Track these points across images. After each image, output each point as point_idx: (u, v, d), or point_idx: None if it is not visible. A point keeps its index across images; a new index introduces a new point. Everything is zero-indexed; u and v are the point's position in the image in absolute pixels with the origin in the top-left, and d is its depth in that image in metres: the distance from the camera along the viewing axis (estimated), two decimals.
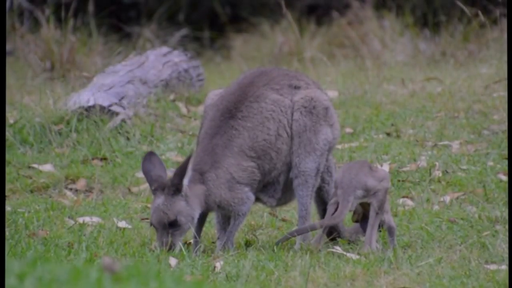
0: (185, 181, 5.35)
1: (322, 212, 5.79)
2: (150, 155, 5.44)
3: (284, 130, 5.51)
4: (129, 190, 7.22)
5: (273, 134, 5.49)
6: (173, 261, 5.17)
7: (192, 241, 5.66)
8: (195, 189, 5.40)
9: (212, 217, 6.23)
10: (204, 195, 5.41)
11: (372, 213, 5.39)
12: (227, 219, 5.60)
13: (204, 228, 6.01)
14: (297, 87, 5.59)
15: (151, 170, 5.39)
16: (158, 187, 5.36)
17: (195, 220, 5.38)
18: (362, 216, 5.55)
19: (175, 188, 5.33)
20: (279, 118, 5.51)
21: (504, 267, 5.05)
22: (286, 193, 5.63)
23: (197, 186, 5.40)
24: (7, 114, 8.50)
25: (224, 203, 5.43)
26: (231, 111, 5.48)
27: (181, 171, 5.33)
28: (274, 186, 5.57)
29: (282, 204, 5.72)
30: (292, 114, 5.53)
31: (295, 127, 5.52)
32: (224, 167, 5.42)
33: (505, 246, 5.36)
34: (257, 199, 5.63)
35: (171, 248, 5.29)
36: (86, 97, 8.40)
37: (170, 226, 5.31)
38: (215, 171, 5.42)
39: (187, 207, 5.35)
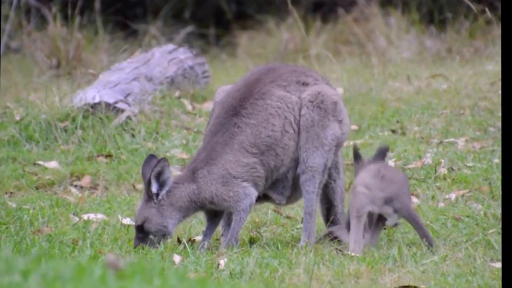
0: (154, 189, 5.35)
1: (326, 211, 5.74)
2: (150, 158, 5.46)
3: (290, 126, 5.49)
4: (134, 187, 7.22)
5: (278, 130, 5.47)
6: (177, 258, 5.17)
7: (196, 238, 5.66)
8: (179, 191, 5.38)
9: None
10: (192, 195, 5.39)
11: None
12: (231, 215, 5.58)
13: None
14: (305, 84, 5.57)
15: (148, 173, 5.41)
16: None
17: (170, 228, 5.37)
18: None
19: (147, 196, 5.37)
20: (285, 114, 5.49)
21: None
22: (296, 191, 5.60)
23: (183, 187, 5.39)
24: (13, 111, 8.52)
25: (216, 199, 5.41)
26: (236, 108, 5.47)
27: (148, 180, 5.35)
28: (283, 183, 5.55)
29: (292, 202, 5.69)
30: (300, 111, 5.51)
31: (303, 122, 5.49)
32: (220, 164, 5.41)
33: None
34: (266, 197, 5.61)
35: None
36: (91, 94, 8.41)
37: (137, 231, 5.37)
38: (207, 168, 5.41)
39: (157, 215, 5.36)
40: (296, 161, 5.53)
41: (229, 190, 5.41)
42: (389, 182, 5.33)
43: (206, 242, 5.49)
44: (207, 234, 5.53)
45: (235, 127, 5.44)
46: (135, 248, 5.35)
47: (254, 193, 5.45)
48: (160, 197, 5.36)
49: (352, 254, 5.23)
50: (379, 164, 5.45)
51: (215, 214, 5.54)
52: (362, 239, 5.30)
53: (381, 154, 5.52)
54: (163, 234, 5.37)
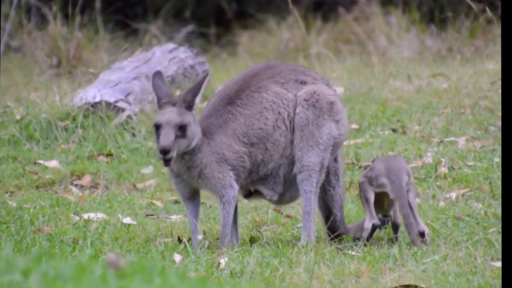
0: (198, 100, 5.39)
1: (325, 219, 5.73)
2: (159, 74, 5.45)
3: (283, 122, 5.51)
4: (134, 186, 7.23)
5: (270, 125, 5.49)
6: (177, 257, 5.17)
7: (197, 237, 5.65)
8: (198, 127, 5.40)
9: (217, 214, 6.24)
10: (198, 141, 5.37)
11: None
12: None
13: (208, 225, 6.02)
14: (303, 82, 5.58)
15: (162, 86, 5.39)
16: (168, 102, 5.34)
17: (196, 141, 5.33)
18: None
19: (187, 104, 5.34)
20: (279, 110, 5.51)
21: None
22: (291, 190, 5.60)
23: (199, 128, 5.41)
24: (14, 110, 8.52)
25: (207, 170, 5.37)
26: (231, 98, 5.50)
27: (195, 89, 5.36)
28: (274, 179, 5.54)
29: (287, 201, 5.68)
30: (295, 109, 5.53)
31: (297, 120, 5.51)
32: (216, 142, 5.42)
33: None
34: (258, 193, 5.60)
35: (170, 150, 5.22)
36: (92, 93, 8.41)
37: (179, 129, 5.28)
38: (208, 141, 5.41)
39: (194, 125, 5.34)
40: (288, 158, 5.53)
41: (219, 171, 5.40)
42: (379, 161, 5.53)
43: (206, 241, 5.49)
44: (194, 231, 5.49)
45: (229, 114, 5.47)
46: (166, 146, 5.19)
47: (236, 187, 5.46)
48: (193, 109, 5.37)
49: (365, 226, 5.37)
50: None
51: (195, 205, 5.50)
52: (375, 215, 5.45)
53: None
54: (187, 146, 5.33)
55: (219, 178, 5.40)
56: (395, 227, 5.60)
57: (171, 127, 5.27)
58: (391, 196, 5.47)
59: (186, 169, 5.40)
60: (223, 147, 5.42)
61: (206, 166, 5.39)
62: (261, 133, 5.48)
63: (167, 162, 5.25)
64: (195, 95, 5.34)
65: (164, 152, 5.22)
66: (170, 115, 5.29)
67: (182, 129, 5.29)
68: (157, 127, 5.29)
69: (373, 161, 5.63)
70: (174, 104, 5.33)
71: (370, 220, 5.46)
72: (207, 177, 5.39)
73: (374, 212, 5.49)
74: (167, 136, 5.25)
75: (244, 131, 5.46)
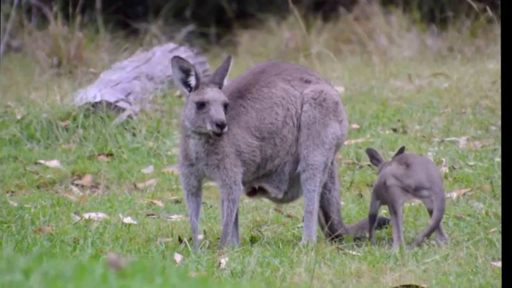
0: (226, 82, 5.43)
1: (325, 221, 5.73)
2: (179, 57, 5.47)
3: (291, 119, 5.52)
4: (135, 186, 7.23)
5: (280, 120, 5.51)
6: (178, 257, 5.17)
7: (198, 237, 5.66)
8: None
9: (217, 214, 6.24)
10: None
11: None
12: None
13: (209, 224, 6.02)
14: (307, 81, 5.61)
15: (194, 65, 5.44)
16: (202, 82, 5.37)
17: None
18: None
19: (218, 86, 5.37)
20: (288, 106, 5.53)
21: None
22: (293, 188, 5.61)
23: None
24: (15, 110, 8.52)
25: (225, 161, 5.37)
26: (241, 92, 5.52)
27: (222, 71, 5.40)
28: (279, 176, 5.55)
29: (289, 199, 5.68)
30: (302, 106, 5.54)
31: (304, 118, 5.52)
32: (233, 132, 5.43)
33: None
34: (263, 191, 5.60)
35: (226, 125, 5.27)
36: (93, 93, 8.41)
37: (225, 107, 5.33)
38: (226, 134, 5.42)
39: None
40: (293, 156, 5.54)
41: (233, 164, 5.40)
42: (417, 167, 5.36)
43: (207, 241, 5.49)
44: (194, 230, 5.49)
45: (241, 107, 5.49)
46: (223, 119, 5.24)
47: (241, 188, 5.46)
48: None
49: (395, 251, 5.23)
50: (402, 154, 5.52)
51: (197, 203, 5.49)
52: (402, 233, 5.31)
53: (400, 153, 5.58)
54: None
55: (234, 172, 5.40)
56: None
57: (219, 104, 5.32)
58: (428, 206, 5.37)
59: (205, 155, 5.40)
60: (239, 139, 5.44)
61: (227, 156, 5.39)
62: (272, 127, 5.50)
63: (220, 136, 5.31)
64: (223, 76, 5.39)
65: (222, 126, 5.26)
66: (213, 93, 5.35)
67: (226, 108, 5.36)
68: (202, 105, 5.32)
69: (401, 156, 5.43)
70: (207, 85, 5.36)
71: (397, 241, 5.31)
72: (226, 168, 5.39)
73: (402, 231, 5.31)
74: (220, 112, 5.31)
75: (256, 125, 5.48)
